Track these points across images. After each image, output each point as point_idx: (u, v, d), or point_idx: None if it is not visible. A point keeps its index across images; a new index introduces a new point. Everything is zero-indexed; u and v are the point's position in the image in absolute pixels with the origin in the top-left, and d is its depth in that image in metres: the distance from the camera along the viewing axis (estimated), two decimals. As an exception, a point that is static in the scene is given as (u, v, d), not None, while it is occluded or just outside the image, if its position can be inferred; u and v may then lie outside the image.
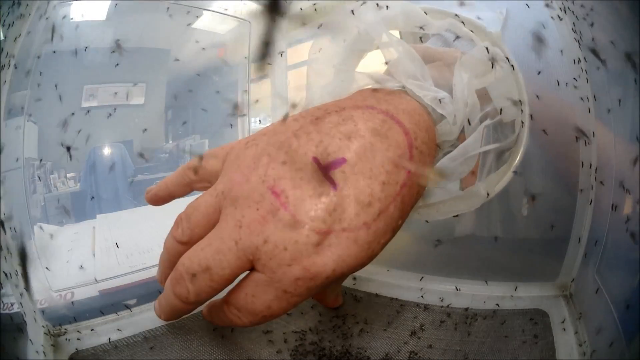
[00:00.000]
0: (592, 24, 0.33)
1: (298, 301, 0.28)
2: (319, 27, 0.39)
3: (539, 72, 0.35)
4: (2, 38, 0.38)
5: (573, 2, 0.35)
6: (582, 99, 0.35)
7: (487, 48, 0.33)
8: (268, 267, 0.27)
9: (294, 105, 0.31)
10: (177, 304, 0.30)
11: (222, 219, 0.29)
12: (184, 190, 0.35)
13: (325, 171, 0.27)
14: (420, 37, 0.37)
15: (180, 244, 0.31)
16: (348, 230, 0.27)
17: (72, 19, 0.42)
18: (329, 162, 0.28)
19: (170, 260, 0.31)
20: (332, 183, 0.27)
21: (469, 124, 0.33)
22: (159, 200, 0.35)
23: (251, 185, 0.28)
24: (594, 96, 0.34)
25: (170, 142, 0.46)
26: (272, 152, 0.29)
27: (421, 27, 0.36)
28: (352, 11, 0.36)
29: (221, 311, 0.31)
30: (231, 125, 0.47)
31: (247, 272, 0.29)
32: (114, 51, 0.40)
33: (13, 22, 0.38)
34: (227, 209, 0.29)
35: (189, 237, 0.30)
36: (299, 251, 0.26)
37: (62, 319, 0.37)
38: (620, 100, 0.32)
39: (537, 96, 0.34)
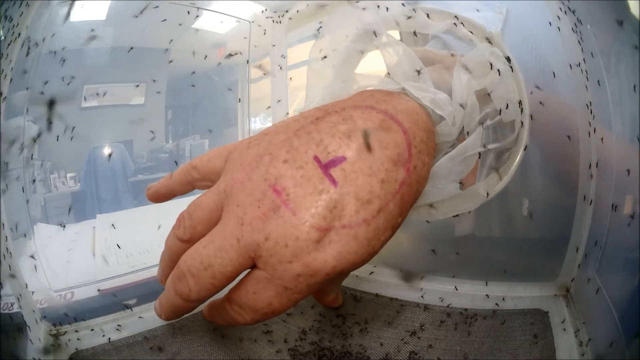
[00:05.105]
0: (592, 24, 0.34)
1: (299, 298, 0.28)
2: (318, 30, 0.39)
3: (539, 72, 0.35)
4: (2, 38, 0.38)
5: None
6: (582, 99, 0.35)
7: (486, 49, 0.33)
8: (269, 264, 0.27)
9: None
10: (178, 302, 0.30)
11: (224, 216, 0.29)
12: (186, 188, 0.35)
13: (325, 169, 0.28)
14: (416, 35, 0.37)
15: (182, 242, 0.31)
16: (348, 227, 0.27)
17: (72, 18, 0.42)
18: (329, 160, 0.28)
19: (171, 259, 0.32)
20: (332, 181, 0.27)
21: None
22: (160, 197, 0.35)
23: (253, 183, 0.28)
24: (594, 96, 0.34)
25: (170, 142, 0.46)
26: (273, 151, 0.29)
27: (421, 28, 0.36)
28: (352, 13, 0.36)
29: (222, 309, 0.31)
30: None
31: (249, 269, 0.29)
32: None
33: (12, 22, 0.38)
34: (229, 206, 0.29)
35: (190, 235, 0.30)
36: (300, 248, 0.27)
37: (62, 319, 0.37)
38: (620, 100, 0.32)
39: (537, 97, 0.34)
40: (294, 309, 0.39)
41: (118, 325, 0.37)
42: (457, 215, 0.36)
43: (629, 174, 0.30)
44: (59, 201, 0.41)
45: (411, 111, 0.31)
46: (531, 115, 0.34)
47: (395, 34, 0.37)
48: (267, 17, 0.48)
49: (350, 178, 0.27)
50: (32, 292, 0.37)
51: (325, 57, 0.37)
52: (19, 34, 0.39)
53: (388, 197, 0.28)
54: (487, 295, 0.38)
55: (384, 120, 0.30)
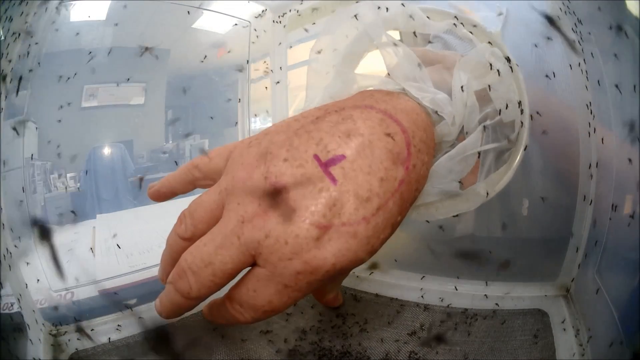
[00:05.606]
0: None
1: (299, 296, 0.28)
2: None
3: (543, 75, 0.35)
4: (2, 38, 0.38)
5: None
6: (582, 99, 0.35)
7: (486, 49, 0.33)
8: (269, 262, 0.27)
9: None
10: (178, 300, 0.30)
11: (225, 214, 0.29)
12: (187, 187, 0.35)
13: (325, 167, 0.28)
14: (416, 35, 0.37)
15: (183, 240, 0.31)
16: (347, 225, 0.27)
17: (72, 18, 0.42)
18: (329, 158, 0.28)
19: (172, 257, 0.32)
20: (332, 179, 0.27)
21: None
22: (161, 196, 0.36)
23: (254, 181, 0.28)
24: (594, 96, 0.34)
25: (170, 142, 0.46)
26: (274, 150, 0.29)
27: (421, 28, 0.36)
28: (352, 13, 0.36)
29: (222, 308, 0.31)
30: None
31: (249, 267, 0.29)
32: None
33: (13, 22, 0.38)
34: (230, 205, 0.29)
35: (192, 233, 0.30)
36: (300, 245, 0.27)
37: (62, 319, 0.37)
38: (620, 100, 0.32)
39: (536, 99, 0.34)
40: (294, 309, 0.39)
41: (118, 325, 0.37)
42: (457, 215, 0.36)
43: (630, 162, 0.30)
44: (59, 201, 0.41)
45: (411, 111, 0.31)
46: (531, 115, 0.34)
47: (395, 34, 0.37)
48: (267, 17, 0.48)
49: (350, 176, 0.28)
50: (32, 292, 0.37)
51: (324, 56, 0.37)
52: (19, 34, 0.39)
53: (387, 195, 0.28)
54: (486, 295, 0.38)
55: (383, 119, 0.30)
